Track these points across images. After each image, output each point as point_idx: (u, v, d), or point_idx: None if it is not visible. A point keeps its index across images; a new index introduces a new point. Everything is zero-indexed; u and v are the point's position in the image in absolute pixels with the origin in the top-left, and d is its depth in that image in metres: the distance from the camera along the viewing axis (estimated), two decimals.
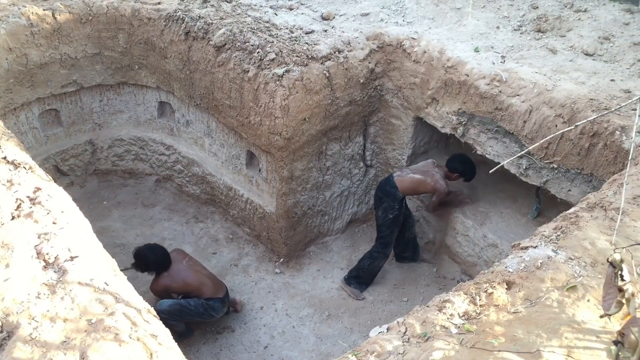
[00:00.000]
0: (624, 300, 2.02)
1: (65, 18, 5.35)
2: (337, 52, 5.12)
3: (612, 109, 3.02)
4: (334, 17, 5.76)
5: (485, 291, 2.66)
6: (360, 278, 5.52)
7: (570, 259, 2.79)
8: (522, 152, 3.46)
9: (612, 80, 4.44)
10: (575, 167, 4.21)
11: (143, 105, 6.28)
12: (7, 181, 3.13)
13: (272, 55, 4.92)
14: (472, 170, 5.18)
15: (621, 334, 1.97)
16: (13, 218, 2.87)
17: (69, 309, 2.40)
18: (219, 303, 4.84)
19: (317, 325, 5.25)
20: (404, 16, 5.71)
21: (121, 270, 2.90)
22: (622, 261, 2.03)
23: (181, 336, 4.84)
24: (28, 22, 5.13)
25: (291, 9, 5.88)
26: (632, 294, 2.01)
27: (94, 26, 5.55)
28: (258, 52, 4.98)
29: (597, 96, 4.17)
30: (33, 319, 2.34)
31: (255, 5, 5.80)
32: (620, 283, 2.03)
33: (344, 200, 6.05)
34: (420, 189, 5.26)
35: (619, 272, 2.03)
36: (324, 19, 5.71)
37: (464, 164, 5.17)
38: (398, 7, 5.87)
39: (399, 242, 5.67)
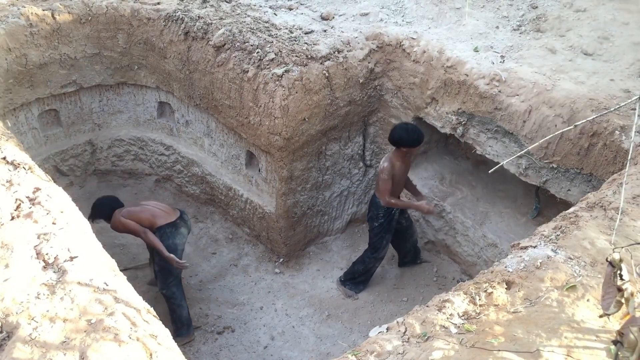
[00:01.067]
0: (623, 300, 2.02)
1: (65, 18, 5.35)
2: (336, 52, 5.12)
3: (612, 109, 3.02)
4: (333, 17, 5.75)
5: (485, 291, 2.66)
6: (355, 279, 5.52)
7: (570, 258, 2.79)
8: (522, 152, 3.45)
9: (611, 79, 4.44)
10: (575, 167, 4.21)
11: (142, 106, 6.28)
12: (7, 181, 3.13)
13: (272, 55, 4.92)
14: (414, 134, 4.66)
15: (620, 333, 1.96)
16: (13, 218, 2.87)
17: (69, 309, 2.40)
18: (170, 227, 4.83)
19: (316, 325, 5.24)
20: (403, 16, 5.71)
21: (121, 270, 2.91)
22: (621, 261, 2.03)
23: (181, 336, 4.85)
24: (27, 22, 5.13)
25: (290, 9, 5.87)
26: (632, 294, 2.01)
27: (93, 26, 5.55)
28: (257, 52, 4.98)
29: (596, 96, 4.17)
30: (33, 319, 2.34)
31: (255, 5, 5.80)
32: (619, 282, 2.03)
33: (344, 200, 6.05)
34: (379, 181, 4.95)
35: (618, 272, 2.03)
36: (323, 19, 5.71)
37: (400, 131, 4.70)
38: (397, 7, 5.86)
39: (400, 250, 5.66)
